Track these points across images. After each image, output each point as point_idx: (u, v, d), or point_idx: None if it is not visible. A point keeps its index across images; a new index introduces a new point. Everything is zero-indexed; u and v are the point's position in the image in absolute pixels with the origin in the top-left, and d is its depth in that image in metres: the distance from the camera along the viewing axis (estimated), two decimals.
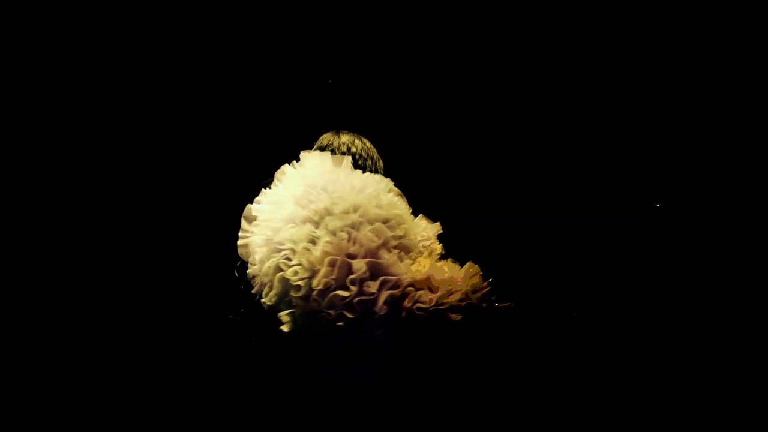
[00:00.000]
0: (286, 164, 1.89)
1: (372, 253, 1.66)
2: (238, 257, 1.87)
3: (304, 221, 1.69)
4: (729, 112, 2.90)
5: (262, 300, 1.69)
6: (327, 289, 1.62)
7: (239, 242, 1.82)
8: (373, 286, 1.63)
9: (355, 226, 1.67)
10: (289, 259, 1.66)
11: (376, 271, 1.66)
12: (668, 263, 2.93)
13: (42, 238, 2.91)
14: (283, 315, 1.65)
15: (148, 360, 2.95)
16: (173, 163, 3.00)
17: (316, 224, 1.68)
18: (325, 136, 2.11)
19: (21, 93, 2.89)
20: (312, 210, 1.70)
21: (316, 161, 1.82)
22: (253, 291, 1.79)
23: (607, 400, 2.89)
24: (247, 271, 1.81)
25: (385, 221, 1.70)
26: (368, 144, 2.10)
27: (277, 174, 1.88)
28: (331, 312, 1.62)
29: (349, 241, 1.66)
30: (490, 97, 3.05)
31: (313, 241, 1.66)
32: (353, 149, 2.04)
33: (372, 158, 2.07)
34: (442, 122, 3.06)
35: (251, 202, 1.94)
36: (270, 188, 1.90)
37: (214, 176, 2.99)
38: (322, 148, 2.04)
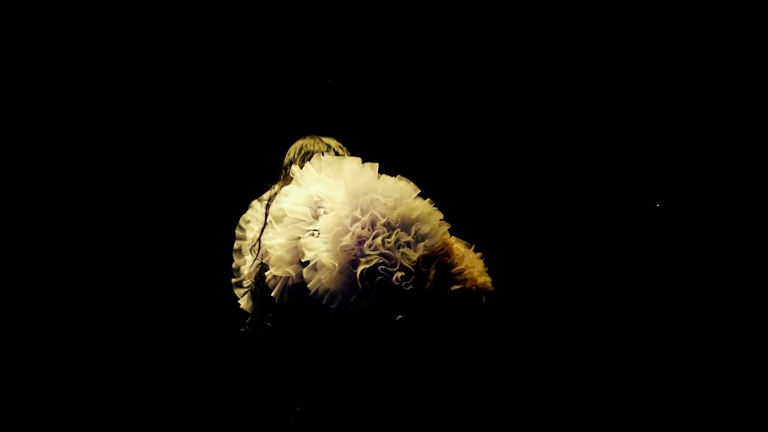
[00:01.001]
0: (308, 164, 1.89)
1: (451, 251, 1.79)
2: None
3: (388, 227, 1.76)
4: (729, 112, 2.90)
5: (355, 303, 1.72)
6: (433, 289, 1.73)
7: (269, 242, 1.82)
8: (466, 275, 1.77)
9: (434, 230, 1.78)
10: (385, 264, 1.72)
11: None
12: (668, 263, 2.93)
13: (44, 239, 2.91)
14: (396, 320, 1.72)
15: (148, 360, 2.95)
16: (169, 164, 2.99)
17: (405, 230, 1.76)
18: (304, 142, 2.08)
19: (21, 94, 2.89)
20: (392, 217, 1.76)
21: (356, 166, 1.85)
22: (273, 294, 1.80)
23: (607, 400, 2.89)
24: (267, 273, 1.82)
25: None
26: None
27: (300, 174, 1.87)
28: (450, 308, 1.74)
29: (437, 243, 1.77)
30: (489, 96, 3.05)
31: (406, 246, 1.74)
32: (341, 152, 2.04)
33: None
34: (441, 122, 3.06)
35: (249, 202, 1.94)
36: (278, 187, 1.91)
37: (210, 176, 2.99)
38: (306, 153, 2.03)
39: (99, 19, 2.92)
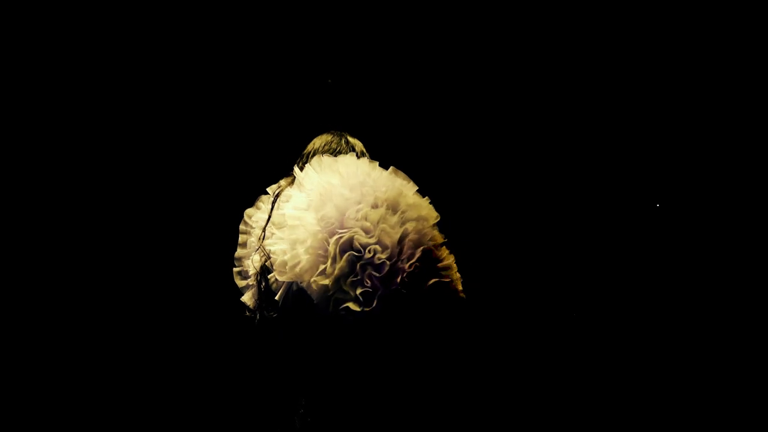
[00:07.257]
0: (308, 166, 1.88)
1: (438, 245, 1.76)
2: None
3: (373, 206, 1.74)
4: (728, 112, 2.90)
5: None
6: (415, 275, 1.70)
7: (271, 247, 1.81)
8: (450, 273, 1.74)
9: (423, 218, 1.76)
10: (362, 236, 1.71)
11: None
12: (668, 263, 2.93)
13: (44, 241, 2.91)
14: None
15: (148, 359, 2.95)
16: (167, 164, 3.00)
17: (392, 210, 1.75)
18: (331, 138, 2.07)
19: (20, 94, 2.89)
20: (380, 198, 1.74)
21: (351, 161, 1.84)
22: (276, 297, 1.81)
23: (608, 400, 2.89)
24: (270, 275, 1.82)
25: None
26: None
27: (302, 177, 1.87)
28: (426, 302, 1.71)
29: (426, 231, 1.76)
30: (488, 96, 3.05)
31: (388, 224, 1.73)
32: (357, 149, 2.04)
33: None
34: (441, 121, 3.06)
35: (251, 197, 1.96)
36: (285, 183, 1.92)
37: (209, 178, 3.00)
38: (330, 151, 2.02)
39: (104, 19, 2.93)
